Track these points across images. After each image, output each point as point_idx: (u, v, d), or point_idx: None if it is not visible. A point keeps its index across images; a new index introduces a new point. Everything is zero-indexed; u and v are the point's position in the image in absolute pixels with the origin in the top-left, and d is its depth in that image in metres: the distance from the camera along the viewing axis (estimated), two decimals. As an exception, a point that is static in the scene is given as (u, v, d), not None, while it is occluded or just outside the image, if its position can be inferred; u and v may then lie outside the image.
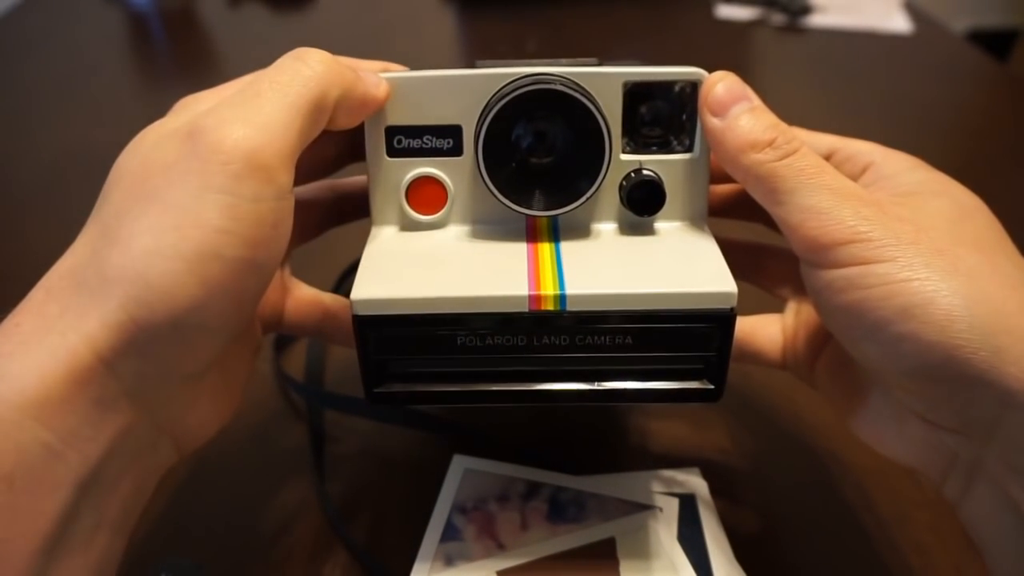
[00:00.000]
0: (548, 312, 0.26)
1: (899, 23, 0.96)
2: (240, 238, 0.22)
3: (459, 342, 0.26)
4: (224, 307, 0.23)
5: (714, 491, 0.36)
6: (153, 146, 0.24)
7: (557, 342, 0.26)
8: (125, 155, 0.25)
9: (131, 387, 0.23)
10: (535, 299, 0.25)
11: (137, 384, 0.23)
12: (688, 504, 0.35)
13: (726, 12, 0.99)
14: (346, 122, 0.27)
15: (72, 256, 0.24)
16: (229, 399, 0.28)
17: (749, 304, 0.33)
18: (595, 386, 0.27)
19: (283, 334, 0.44)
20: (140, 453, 0.24)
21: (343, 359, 0.44)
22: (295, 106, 0.24)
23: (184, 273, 0.22)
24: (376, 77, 0.27)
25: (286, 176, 0.24)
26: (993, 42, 1.17)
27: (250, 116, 0.23)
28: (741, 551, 0.33)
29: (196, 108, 0.26)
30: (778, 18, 0.97)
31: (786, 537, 0.36)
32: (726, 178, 0.32)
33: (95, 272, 0.22)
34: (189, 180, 0.22)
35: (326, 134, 0.27)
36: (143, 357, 0.22)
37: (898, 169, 0.28)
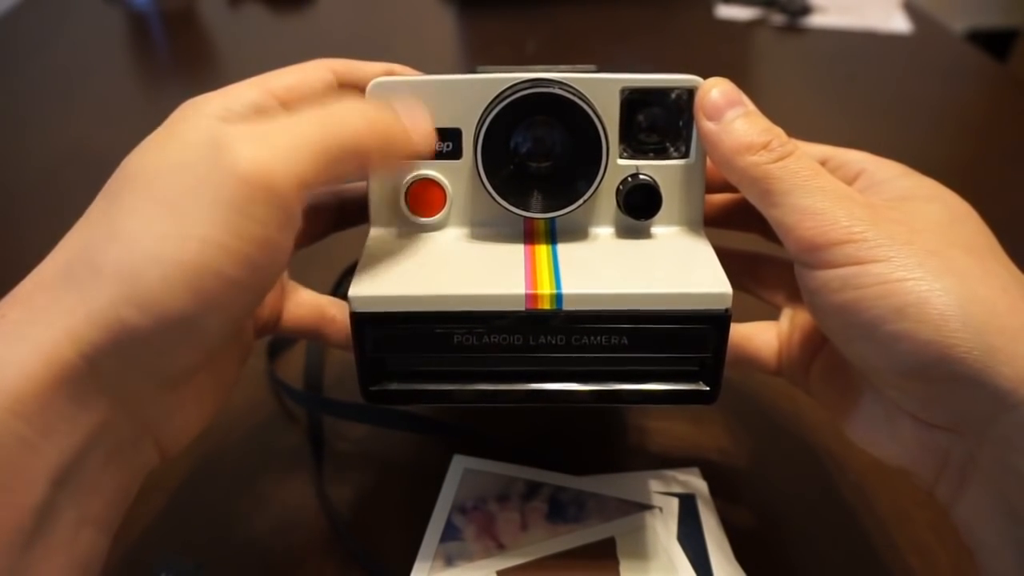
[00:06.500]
0: (544, 311, 0.26)
1: (899, 23, 0.96)
2: (241, 257, 0.22)
3: (456, 340, 0.26)
4: (212, 321, 0.23)
5: (714, 491, 0.36)
6: (170, 149, 0.24)
7: (553, 342, 0.26)
8: (137, 155, 0.25)
9: (110, 385, 0.22)
10: (531, 298, 0.26)
11: (116, 383, 0.23)
12: (688, 504, 0.35)
13: (726, 12, 1.00)
14: (384, 169, 0.28)
15: (65, 249, 0.23)
16: (214, 402, 0.28)
17: (745, 312, 0.33)
18: (591, 387, 0.28)
19: (280, 337, 0.44)
20: (121, 450, 0.24)
21: (341, 362, 0.44)
22: (325, 151, 0.24)
23: (180, 282, 0.22)
24: (426, 126, 0.28)
25: (297, 207, 0.24)
26: (993, 42, 1.17)
27: (279, 143, 0.23)
28: (741, 551, 0.33)
29: (205, 110, 0.25)
30: (778, 18, 0.97)
31: (786, 537, 0.36)
32: (722, 188, 0.32)
33: (87, 264, 0.22)
34: (203, 192, 0.22)
35: None
36: (125, 358, 0.22)
37: (890, 175, 0.29)
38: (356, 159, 0.25)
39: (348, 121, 0.25)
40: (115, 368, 0.22)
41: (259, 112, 0.26)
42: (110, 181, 0.25)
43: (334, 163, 0.24)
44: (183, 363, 0.24)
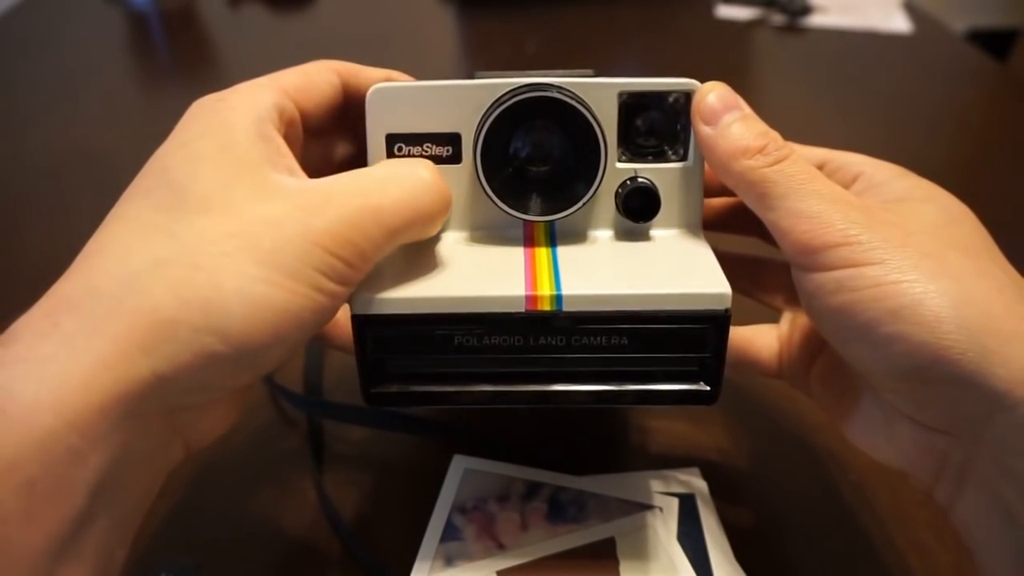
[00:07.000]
0: (544, 312, 0.26)
1: (899, 23, 0.96)
2: (316, 306, 0.24)
3: (456, 342, 0.26)
4: (279, 352, 0.24)
5: (714, 491, 0.36)
6: (246, 181, 0.24)
7: (553, 343, 0.26)
8: (185, 163, 0.25)
9: (172, 399, 0.23)
10: (531, 299, 0.26)
11: (178, 397, 0.23)
12: (688, 504, 0.35)
13: (726, 12, 0.99)
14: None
15: (117, 258, 0.23)
16: (241, 401, 0.28)
17: (746, 315, 0.33)
18: (591, 387, 0.28)
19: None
20: (153, 454, 0.24)
21: (341, 364, 0.44)
22: (402, 229, 0.25)
23: (266, 322, 0.23)
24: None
25: (366, 271, 0.25)
26: (993, 42, 1.16)
27: (366, 217, 0.24)
28: (741, 551, 0.33)
29: (225, 116, 0.26)
30: (778, 18, 0.97)
31: (786, 537, 0.36)
32: (721, 192, 0.33)
33: (163, 286, 0.22)
34: (291, 251, 0.23)
35: (338, 139, 0.27)
36: (197, 377, 0.22)
37: (887, 177, 0.29)
38: (419, 234, 0.26)
39: (431, 198, 0.26)
40: (185, 386, 0.22)
41: (281, 113, 0.27)
42: (151, 183, 0.25)
43: (404, 237, 0.26)
44: (240, 382, 0.25)
